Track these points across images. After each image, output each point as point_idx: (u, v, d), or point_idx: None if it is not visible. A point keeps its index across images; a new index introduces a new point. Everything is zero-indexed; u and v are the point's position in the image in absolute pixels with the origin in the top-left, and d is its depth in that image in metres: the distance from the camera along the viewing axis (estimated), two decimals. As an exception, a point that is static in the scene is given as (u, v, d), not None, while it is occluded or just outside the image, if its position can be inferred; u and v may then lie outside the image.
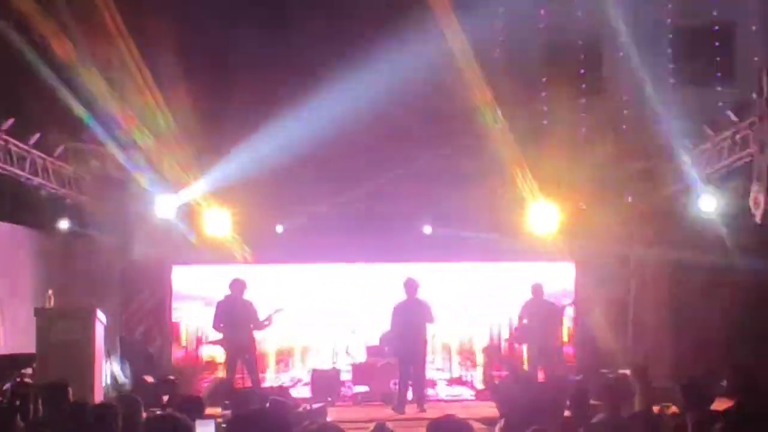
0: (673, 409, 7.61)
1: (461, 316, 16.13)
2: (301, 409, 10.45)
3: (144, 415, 6.99)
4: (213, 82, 16.21)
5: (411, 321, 13.26)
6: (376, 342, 15.04)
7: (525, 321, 14.30)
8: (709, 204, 14.36)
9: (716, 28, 20.67)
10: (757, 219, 12.20)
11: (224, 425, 7.47)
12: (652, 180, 15.43)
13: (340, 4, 18.08)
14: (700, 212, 14.63)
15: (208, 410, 8.50)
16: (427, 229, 15.81)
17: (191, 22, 17.07)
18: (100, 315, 13.02)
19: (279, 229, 16.28)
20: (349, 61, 15.64)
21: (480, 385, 16.07)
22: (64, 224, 15.30)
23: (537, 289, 14.26)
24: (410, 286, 13.41)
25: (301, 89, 15.85)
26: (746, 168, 13.13)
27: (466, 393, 16.26)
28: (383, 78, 14.73)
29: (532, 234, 15.55)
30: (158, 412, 8.06)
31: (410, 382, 13.34)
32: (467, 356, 16.31)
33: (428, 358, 14.45)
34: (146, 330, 15.87)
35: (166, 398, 12.20)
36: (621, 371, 12.43)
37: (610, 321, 15.14)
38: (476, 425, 7.72)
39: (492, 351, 15.53)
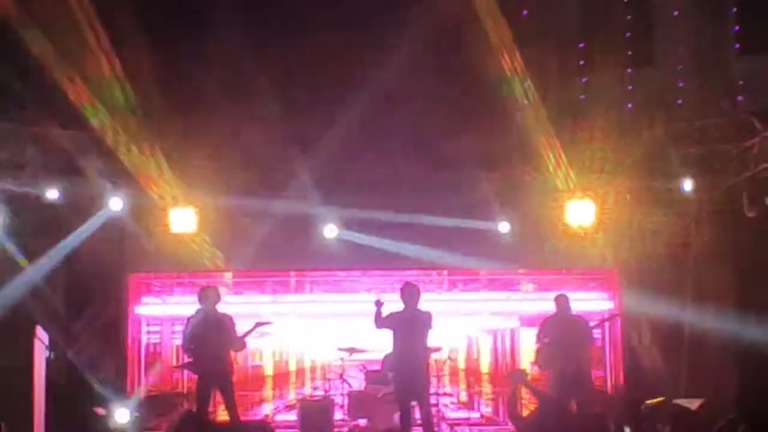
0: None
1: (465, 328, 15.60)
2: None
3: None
4: (184, 49, 14.74)
5: (413, 339, 11.25)
6: (376, 365, 13.59)
7: (546, 340, 12.55)
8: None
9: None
10: None
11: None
12: (713, 168, 14.02)
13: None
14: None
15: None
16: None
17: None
18: (43, 335, 12.21)
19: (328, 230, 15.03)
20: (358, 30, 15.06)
21: (487, 409, 15.55)
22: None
23: (562, 302, 12.47)
24: (409, 292, 11.25)
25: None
26: None
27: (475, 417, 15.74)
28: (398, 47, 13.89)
29: (567, 233, 14.50)
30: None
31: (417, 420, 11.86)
32: (475, 377, 15.82)
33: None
34: (97, 353, 14.09)
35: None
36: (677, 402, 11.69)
37: (658, 342, 13.88)
38: None
39: (517, 376, 13.96)
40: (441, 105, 14.70)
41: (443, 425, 14.00)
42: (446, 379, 16.07)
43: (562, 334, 12.27)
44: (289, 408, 15.55)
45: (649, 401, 11.44)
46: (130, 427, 11.34)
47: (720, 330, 13.63)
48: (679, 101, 14.51)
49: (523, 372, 13.29)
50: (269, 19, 16.62)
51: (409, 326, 11.08)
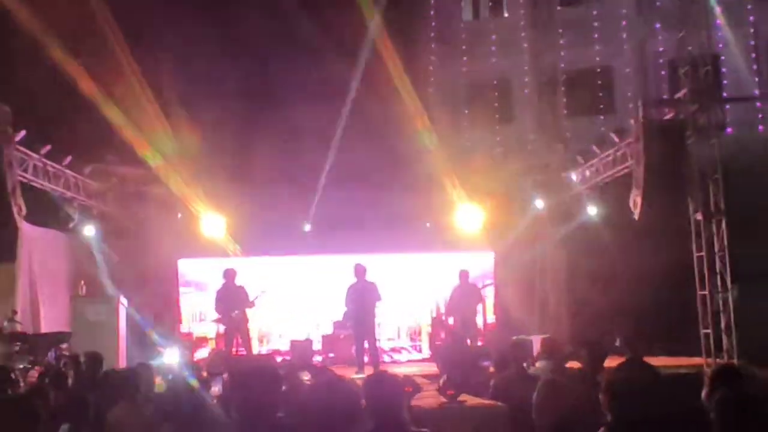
0: (577, 364, 7.57)
1: (407, 299, 16.51)
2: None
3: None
4: (208, 117, 16.77)
5: (362, 301, 13.40)
6: (340, 318, 14.99)
7: (453, 299, 14.70)
8: (592, 209, 15.55)
9: (599, 70, 22.10)
10: (636, 216, 12.95)
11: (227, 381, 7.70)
12: (551, 189, 16.38)
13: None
14: (587, 215, 15.70)
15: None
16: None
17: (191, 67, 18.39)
18: (123, 301, 13.88)
19: (306, 227, 16.96)
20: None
21: (427, 352, 16.33)
22: (90, 230, 15.63)
23: (464, 275, 14.72)
24: (359, 270, 13.59)
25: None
26: (624, 179, 13.97)
27: (415, 356, 16.65)
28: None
29: (460, 230, 16.10)
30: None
31: (366, 348, 13.52)
32: (415, 332, 16.73)
33: (383, 333, 14.90)
34: (157, 313, 15.70)
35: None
36: (525, 337, 13.18)
37: (521, 299, 15.97)
38: (422, 381, 8.05)
39: (437, 322, 15.59)
40: (384, 156, 16.76)
41: (383, 355, 15.32)
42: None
43: (463, 296, 14.53)
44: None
45: (514, 337, 12.87)
46: (179, 361, 11.78)
47: (560, 290, 16.25)
48: (529, 147, 17.14)
49: (441, 320, 15.30)
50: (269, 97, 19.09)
51: (359, 292, 13.46)
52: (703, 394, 4.33)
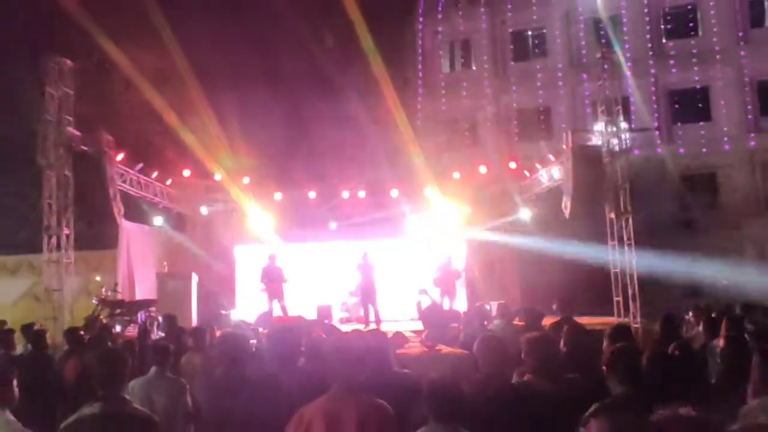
0: (521, 324, 7.50)
1: (404, 276, 15.36)
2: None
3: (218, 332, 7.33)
4: (257, 140, 17.08)
5: (367, 276, 13.20)
6: (353, 289, 14.65)
7: (439, 275, 14.11)
8: (526, 214, 15.55)
9: (541, 110, 22.40)
10: (566, 216, 12.96)
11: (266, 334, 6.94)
12: (504, 200, 16.05)
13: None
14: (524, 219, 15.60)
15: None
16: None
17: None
18: (195, 277, 13.64)
19: (333, 226, 16.22)
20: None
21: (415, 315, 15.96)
22: (172, 224, 15.79)
23: (447, 258, 14.39)
24: (365, 255, 13.41)
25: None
26: (558, 188, 13.87)
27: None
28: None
29: (441, 224, 15.69)
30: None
31: (371, 310, 13.12)
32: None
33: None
34: (219, 285, 15.63)
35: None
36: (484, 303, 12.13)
37: (484, 276, 15.70)
38: (410, 335, 7.87)
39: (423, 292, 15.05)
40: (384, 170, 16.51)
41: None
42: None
43: (446, 273, 14.07)
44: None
45: (477, 303, 11.71)
46: (238, 320, 11.64)
47: (512, 270, 15.90)
48: (491, 164, 16.36)
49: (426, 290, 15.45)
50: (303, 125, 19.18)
51: (365, 270, 13.28)
52: (604, 345, 4.35)
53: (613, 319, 11.70)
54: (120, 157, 12.72)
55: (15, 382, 3.46)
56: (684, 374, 3.17)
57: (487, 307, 11.93)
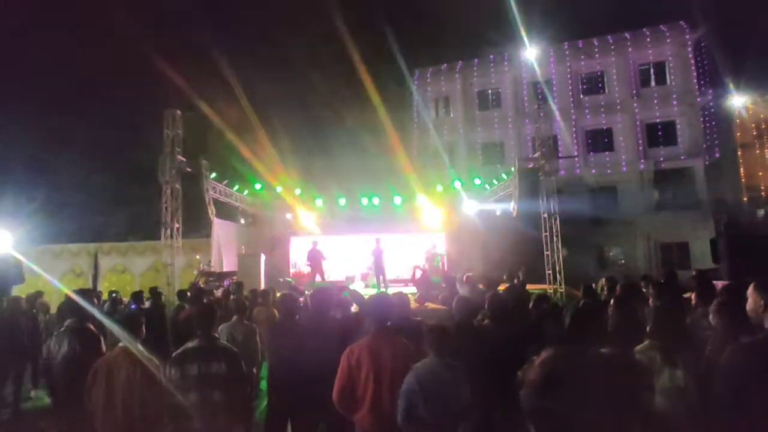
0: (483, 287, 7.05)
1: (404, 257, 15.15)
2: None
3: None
4: (307, 163, 17.26)
5: (378, 256, 12.84)
6: (369, 264, 13.75)
7: (427, 255, 14.04)
8: (492, 211, 14.97)
9: (497, 143, 22.13)
10: (514, 215, 12.76)
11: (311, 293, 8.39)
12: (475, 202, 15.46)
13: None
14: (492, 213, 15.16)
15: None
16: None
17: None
18: (263, 257, 13.20)
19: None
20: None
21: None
22: (248, 221, 15.71)
23: (432, 247, 14.26)
24: (377, 241, 13.01)
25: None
26: (505, 197, 13.76)
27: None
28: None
29: (428, 222, 15.65)
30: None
31: (381, 280, 12.75)
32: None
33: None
34: (279, 262, 15.32)
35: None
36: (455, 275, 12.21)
37: (457, 257, 15.29)
38: (410, 296, 7.23)
39: (417, 268, 13.45)
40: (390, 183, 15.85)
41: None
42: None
43: (431, 255, 13.91)
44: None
45: (452, 274, 12.64)
46: (289, 284, 11.06)
47: (477, 251, 14.88)
48: (463, 180, 15.79)
49: (418, 267, 14.03)
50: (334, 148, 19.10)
51: (377, 252, 12.93)
52: (530, 305, 4.33)
53: (546, 286, 11.54)
54: (213, 175, 12.71)
55: (143, 325, 3.45)
56: (596, 324, 3.12)
57: (456, 275, 11.82)
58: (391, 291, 9.49)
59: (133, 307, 7.01)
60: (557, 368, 2.15)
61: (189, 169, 11.52)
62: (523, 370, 2.47)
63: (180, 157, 11.26)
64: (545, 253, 12.01)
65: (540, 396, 2.20)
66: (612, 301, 2.98)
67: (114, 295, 8.35)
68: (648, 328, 2.78)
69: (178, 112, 11.27)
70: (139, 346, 3.18)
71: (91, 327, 3.80)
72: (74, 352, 3.55)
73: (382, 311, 3.17)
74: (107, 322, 4.02)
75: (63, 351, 3.59)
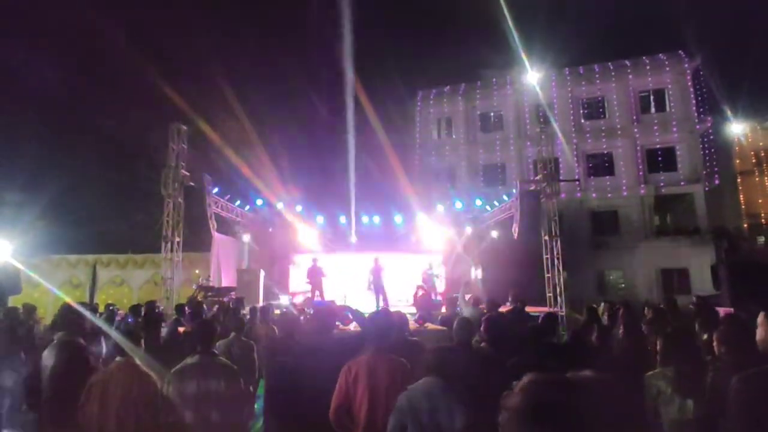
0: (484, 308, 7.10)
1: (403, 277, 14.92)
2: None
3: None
4: (306, 181, 17.18)
5: (377, 274, 12.90)
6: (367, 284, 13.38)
7: (424, 276, 13.68)
8: (493, 233, 14.80)
9: (499, 165, 22.27)
10: (515, 237, 12.63)
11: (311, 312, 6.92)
12: (474, 222, 15.72)
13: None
14: (491, 235, 15.07)
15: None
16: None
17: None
18: (262, 273, 13.24)
19: (353, 239, 15.40)
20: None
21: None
22: (248, 237, 15.23)
23: (428, 267, 13.99)
24: (376, 261, 13.12)
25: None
26: (505, 219, 13.70)
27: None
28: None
29: (427, 242, 15.41)
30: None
31: (380, 299, 12.85)
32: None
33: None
34: (279, 279, 15.05)
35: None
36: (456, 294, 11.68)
37: (457, 278, 14.64)
38: (408, 316, 7.29)
39: (417, 288, 13.32)
40: (390, 205, 15.97)
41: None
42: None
43: (427, 275, 13.68)
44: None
45: (453, 294, 11.54)
46: (287, 302, 11.15)
47: (478, 273, 15.25)
48: (465, 201, 16.17)
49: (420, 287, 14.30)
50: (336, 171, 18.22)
51: (376, 273, 13.00)
52: (536, 326, 4.25)
53: (546, 309, 11.44)
54: (215, 190, 12.71)
55: (143, 339, 3.41)
56: (598, 351, 3.05)
57: (456, 294, 11.52)
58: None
59: (130, 320, 6.92)
60: (540, 395, 2.08)
61: (192, 184, 11.53)
62: (505, 395, 2.38)
63: (184, 172, 11.29)
64: (546, 275, 11.95)
65: (522, 425, 2.15)
66: (621, 326, 2.90)
67: (111, 307, 8.23)
68: (658, 355, 2.73)
69: (183, 126, 11.36)
70: (139, 361, 3.14)
71: (81, 341, 3.75)
72: (61, 366, 3.53)
73: (381, 329, 3.14)
74: (113, 335, 3.95)
75: (51, 365, 3.58)
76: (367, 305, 12.32)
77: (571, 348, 3.16)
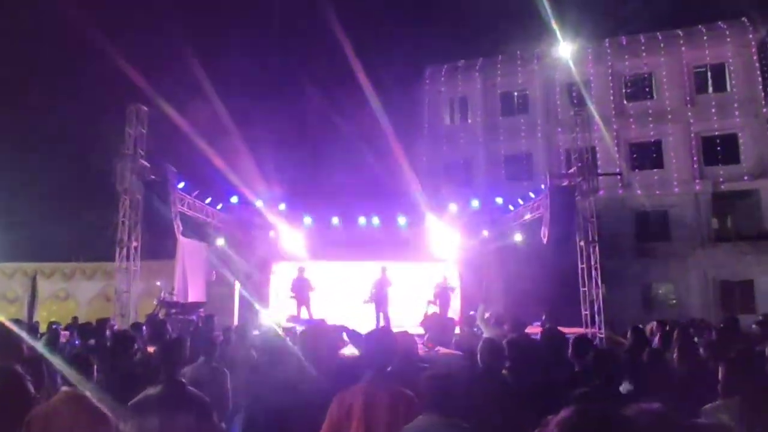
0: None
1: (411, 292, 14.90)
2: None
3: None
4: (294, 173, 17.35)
5: (382, 287, 13.15)
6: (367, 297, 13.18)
7: (437, 290, 13.63)
8: (517, 237, 15.25)
9: (524, 155, 22.48)
10: (544, 242, 12.61)
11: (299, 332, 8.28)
12: (495, 224, 15.81)
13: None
14: (514, 240, 15.34)
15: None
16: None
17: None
18: (238, 285, 13.81)
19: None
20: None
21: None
22: (220, 241, 15.47)
23: (442, 280, 13.82)
24: (383, 270, 13.37)
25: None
26: (532, 220, 13.80)
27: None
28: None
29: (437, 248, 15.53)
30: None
31: (381, 316, 13.02)
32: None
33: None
34: (258, 293, 15.03)
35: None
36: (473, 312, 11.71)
37: (474, 291, 15.04)
38: (416, 337, 8.47)
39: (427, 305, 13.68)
40: (392, 203, 15.84)
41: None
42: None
43: (441, 289, 13.60)
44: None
45: (471, 312, 11.40)
46: (268, 320, 11.66)
47: (499, 285, 15.04)
48: (482, 199, 16.48)
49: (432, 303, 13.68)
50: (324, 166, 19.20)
51: (380, 286, 13.17)
52: (569, 352, 4.30)
53: (581, 329, 11.48)
54: (181, 185, 12.70)
55: (95, 366, 3.41)
56: (653, 378, 3.04)
57: (471, 312, 11.57)
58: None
59: (76, 343, 6.98)
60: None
61: (153, 177, 11.54)
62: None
63: (143, 162, 11.33)
64: (581, 289, 12.04)
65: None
66: (676, 350, 2.90)
67: (54, 326, 8.27)
68: (720, 385, 2.74)
69: (144, 107, 11.41)
70: (89, 393, 3.12)
71: (18, 368, 3.71)
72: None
73: (381, 351, 3.09)
74: (56, 362, 3.92)
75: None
76: (366, 324, 12.46)
77: (615, 376, 3.11)
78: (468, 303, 14.97)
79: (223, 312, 11.98)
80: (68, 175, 19.72)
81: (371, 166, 17.82)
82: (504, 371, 3.73)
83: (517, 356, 3.73)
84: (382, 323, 12.79)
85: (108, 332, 7.33)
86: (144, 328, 7.49)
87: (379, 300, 13.06)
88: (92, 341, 7.21)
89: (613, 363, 3.31)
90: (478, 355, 3.62)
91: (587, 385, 3.04)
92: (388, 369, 3.10)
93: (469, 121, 23.93)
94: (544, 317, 9.11)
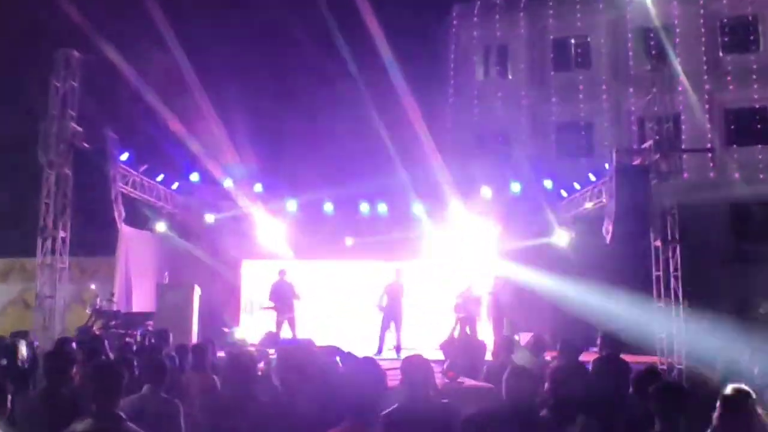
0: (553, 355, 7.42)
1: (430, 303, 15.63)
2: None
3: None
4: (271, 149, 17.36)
5: (395, 294, 13.50)
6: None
7: (460, 301, 13.83)
8: (561, 238, 15.40)
9: (583, 124, 22.37)
10: (607, 241, 12.67)
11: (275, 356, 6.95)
12: (538, 221, 15.77)
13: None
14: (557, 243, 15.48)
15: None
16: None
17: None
18: (197, 289, 13.67)
19: (349, 242, 16.07)
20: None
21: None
22: (175, 232, 15.64)
23: (467, 289, 14.13)
24: (398, 273, 13.78)
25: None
26: (592, 211, 14.11)
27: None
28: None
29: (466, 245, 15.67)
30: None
31: (389, 331, 13.40)
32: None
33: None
34: (223, 300, 15.78)
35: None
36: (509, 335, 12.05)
37: (513, 304, 14.89)
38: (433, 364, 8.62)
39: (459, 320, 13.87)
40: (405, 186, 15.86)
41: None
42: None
43: (465, 300, 13.86)
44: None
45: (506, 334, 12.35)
46: (237, 338, 12.01)
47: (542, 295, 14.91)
48: (524, 181, 16.69)
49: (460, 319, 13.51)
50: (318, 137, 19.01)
51: (394, 290, 13.55)
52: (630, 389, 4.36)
53: (654, 358, 11.63)
54: (124, 156, 12.77)
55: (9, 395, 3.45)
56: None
57: (516, 337, 11.90)
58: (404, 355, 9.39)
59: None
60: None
61: (87, 145, 11.59)
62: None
63: (74, 126, 11.35)
64: (657, 304, 12.14)
65: None
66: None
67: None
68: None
69: (76, 53, 11.41)
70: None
71: None
72: None
73: (362, 388, 2.97)
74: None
75: None
76: (368, 344, 12.93)
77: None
78: (503, 318, 15.09)
79: (177, 325, 11.77)
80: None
81: (379, 135, 17.60)
82: (544, 410, 3.79)
83: (565, 391, 3.86)
84: (391, 344, 13.24)
85: (25, 350, 7.39)
86: (73, 344, 7.64)
87: (392, 312, 13.38)
88: (4, 361, 7.30)
89: (694, 408, 3.35)
90: (503, 386, 3.63)
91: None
92: (383, 413, 3.15)
93: (510, 76, 23.79)
94: (599, 340, 9.08)
